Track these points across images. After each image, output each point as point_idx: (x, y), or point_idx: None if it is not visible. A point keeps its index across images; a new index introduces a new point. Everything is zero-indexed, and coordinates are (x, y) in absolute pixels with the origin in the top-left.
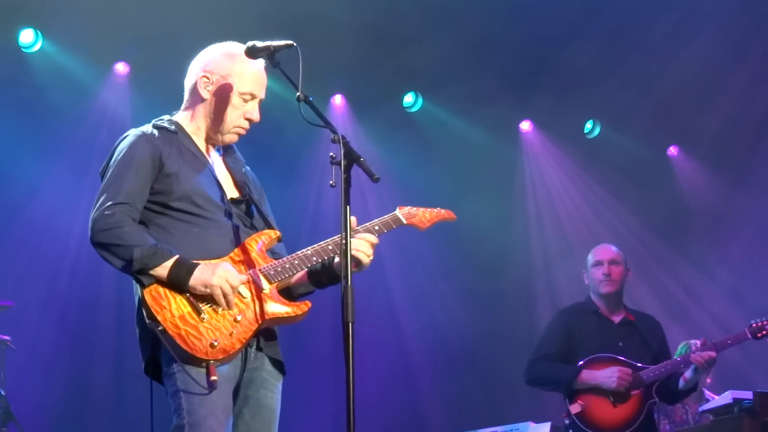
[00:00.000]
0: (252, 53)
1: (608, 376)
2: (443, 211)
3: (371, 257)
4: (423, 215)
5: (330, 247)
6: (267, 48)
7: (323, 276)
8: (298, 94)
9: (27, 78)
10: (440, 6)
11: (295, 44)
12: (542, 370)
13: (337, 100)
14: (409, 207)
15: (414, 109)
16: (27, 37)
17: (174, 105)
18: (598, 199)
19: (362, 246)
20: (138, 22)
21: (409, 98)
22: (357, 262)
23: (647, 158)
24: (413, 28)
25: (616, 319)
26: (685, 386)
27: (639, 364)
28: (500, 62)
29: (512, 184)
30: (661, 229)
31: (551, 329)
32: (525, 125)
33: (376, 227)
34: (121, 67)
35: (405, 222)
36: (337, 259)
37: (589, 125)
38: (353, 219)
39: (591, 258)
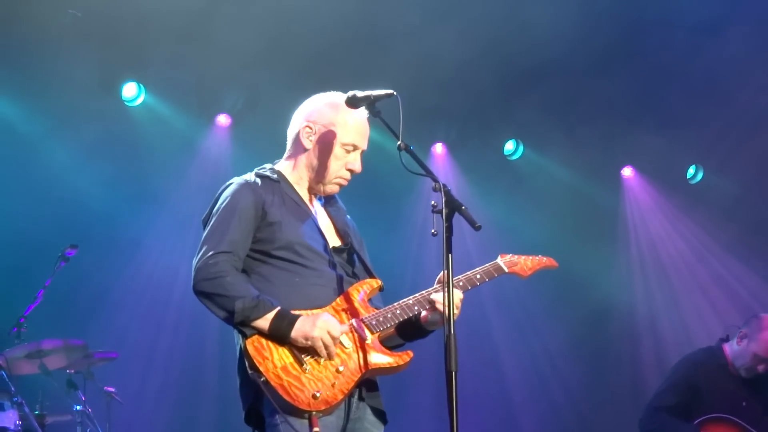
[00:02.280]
0: (352, 103)
1: None
2: (545, 258)
3: (457, 313)
4: (525, 263)
5: (430, 297)
6: (367, 97)
7: (409, 328)
8: (399, 143)
9: (130, 131)
10: (540, 55)
11: (395, 93)
12: (660, 423)
13: (438, 148)
14: (510, 255)
15: (515, 157)
16: (130, 91)
17: (275, 155)
18: (702, 244)
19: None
20: (239, 73)
21: (510, 146)
22: (441, 317)
23: (751, 202)
24: (513, 77)
25: (743, 375)
26: None
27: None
28: (601, 109)
29: (615, 230)
30: (767, 274)
31: (673, 379)
32: (627, 171)
33: (478, 276)
34: (222, 119)
35: (507, 270)
36: (423, 312)
37: (691, 170)
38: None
39: (765, 346)
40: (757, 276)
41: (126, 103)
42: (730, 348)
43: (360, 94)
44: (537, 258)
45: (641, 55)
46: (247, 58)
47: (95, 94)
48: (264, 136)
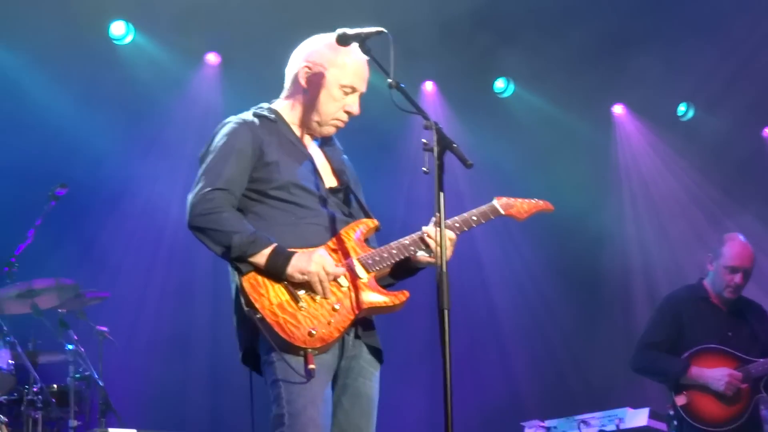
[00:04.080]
0: (343, 40)
1: (718, 378)
2: (541, 202)
3: (449, 254)
4: (521, 206)
5: (423, 237)
6: (358, 35)
7: (400, 268)
8: (389, 80)
9: (119, 70)
10: None
11: (386, 31)
12: (650, 360)
13: (428, 86)
14: (506, 197)
15: (505, 95)
16: (118, 29)
17: (265, 94)
18: (693, 182)
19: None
20: (228, 12)
21: (500, 84)
22: (431, 254)
23: (742, 140)
24: (506, 14)
25: (726, 307)
26: None
27: (747, 357)
28: (592, 47)
29: (606, 168)
30: (759, 211)
31: (659, 315)
32: (618, 109)
33: (474, 217)
34: (212, 58)
35: (503, 213)
36: (419, 252)
37: (682, 108)
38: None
39: (728, 256)
40: (749, 213)
41: (114, 42)
42: (708, 279)
43: (350, 31)
44: (533, 201)
45: None
46: None
47: (83, 33)
48: (254, 75)
